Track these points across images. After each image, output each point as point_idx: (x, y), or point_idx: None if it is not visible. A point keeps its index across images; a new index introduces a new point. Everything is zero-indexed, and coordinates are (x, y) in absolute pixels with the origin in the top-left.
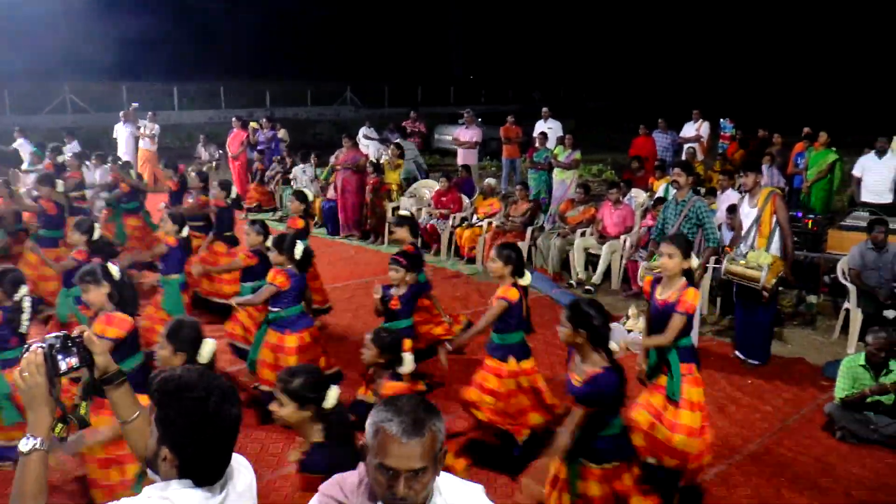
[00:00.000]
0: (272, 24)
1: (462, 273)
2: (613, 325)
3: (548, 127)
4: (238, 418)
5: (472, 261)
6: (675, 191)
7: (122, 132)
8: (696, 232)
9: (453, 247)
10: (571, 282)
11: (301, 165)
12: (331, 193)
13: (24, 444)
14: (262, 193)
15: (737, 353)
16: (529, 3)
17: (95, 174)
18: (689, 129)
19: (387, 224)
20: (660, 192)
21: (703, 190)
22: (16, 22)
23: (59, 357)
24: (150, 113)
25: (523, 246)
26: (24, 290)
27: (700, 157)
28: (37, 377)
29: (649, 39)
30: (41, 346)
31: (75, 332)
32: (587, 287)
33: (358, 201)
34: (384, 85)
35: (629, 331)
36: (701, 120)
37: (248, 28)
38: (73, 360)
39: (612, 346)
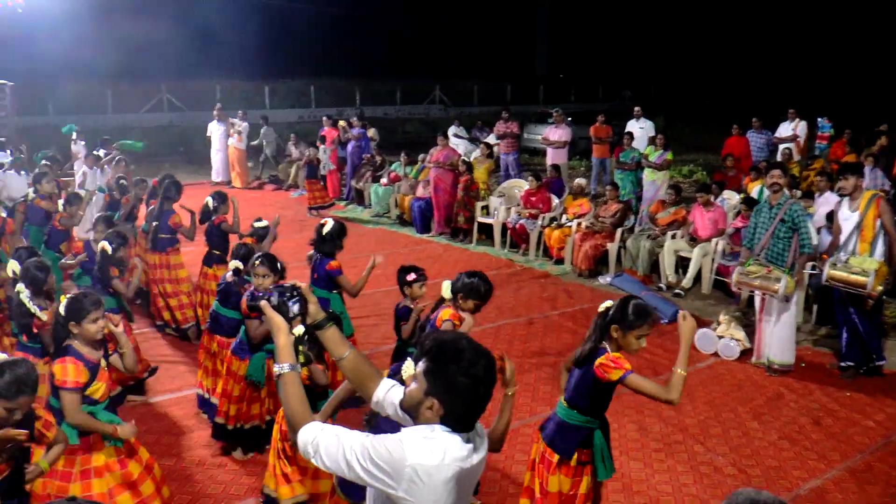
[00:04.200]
0: (362, 24)
1: (550, 273)
2: (703, 330)
3: (639, 126)
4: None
5: (560, 261)
6: (769, 193)
7: (215, 130)
8: (792, 237)
9: (542, 247)
10: (661, 285)
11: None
12: (420, 191)
13: (276, 370)
14: (317, 190)
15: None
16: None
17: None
18: (784, 129)
19: (475, 223)
20: (754, 194)
21: (798, 192)
22: (114, 24)
23: (290, 304)
24: (239, 112)
25: (612, 247)
26: None
27: (796, 157)
28: (276, 318)
29: (743, 35)
30: (272, 296)
31: (298, 285)
32: (677, 290)
33: (451, 200)
34: (473, 84)
35: (720, 337)
36: (797, 119)
37: (337, 28)
38: (296, 308)
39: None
